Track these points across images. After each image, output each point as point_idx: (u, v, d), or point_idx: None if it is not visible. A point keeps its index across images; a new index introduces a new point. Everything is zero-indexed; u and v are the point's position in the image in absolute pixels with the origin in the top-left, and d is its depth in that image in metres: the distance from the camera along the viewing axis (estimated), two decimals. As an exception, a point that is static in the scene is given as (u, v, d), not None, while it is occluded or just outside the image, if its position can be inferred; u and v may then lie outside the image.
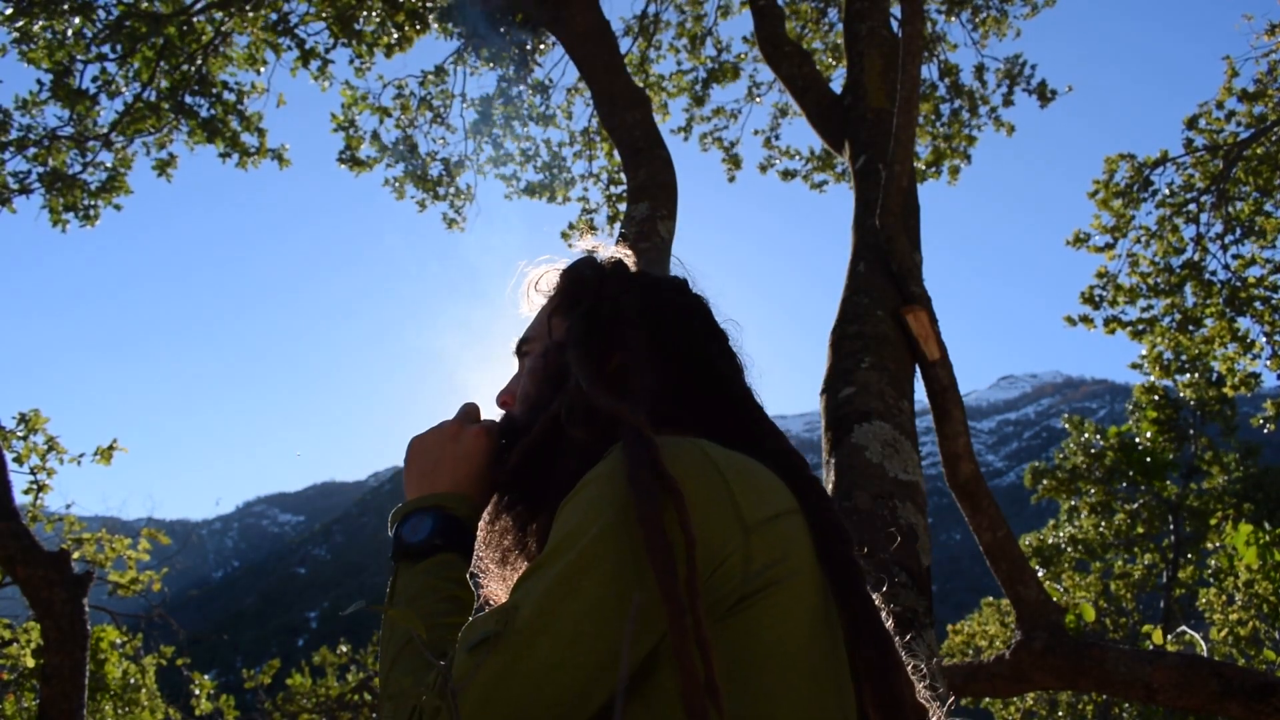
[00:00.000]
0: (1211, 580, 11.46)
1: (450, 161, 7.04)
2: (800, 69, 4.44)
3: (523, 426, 1.06)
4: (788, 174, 7.69)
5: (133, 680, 10.17)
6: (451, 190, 7.09)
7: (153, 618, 8.60)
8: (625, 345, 1.04)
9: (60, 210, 5.84)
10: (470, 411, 1.13)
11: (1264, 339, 7.28)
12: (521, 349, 1.14)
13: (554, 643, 0.78)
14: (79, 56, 5.47)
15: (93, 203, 5.92)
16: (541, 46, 6.58)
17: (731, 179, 7.89)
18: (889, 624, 0.93)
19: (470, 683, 0.78)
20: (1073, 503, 13.67)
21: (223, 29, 5.78)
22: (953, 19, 7.04)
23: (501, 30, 6.19)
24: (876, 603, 0.93)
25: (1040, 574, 13.12)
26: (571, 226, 7.44)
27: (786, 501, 0.90)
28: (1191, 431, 13.05)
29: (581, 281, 1.11)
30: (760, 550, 0.83)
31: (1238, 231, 7.25)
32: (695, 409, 1.03)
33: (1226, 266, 7.29)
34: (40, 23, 5.27)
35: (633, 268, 1.16)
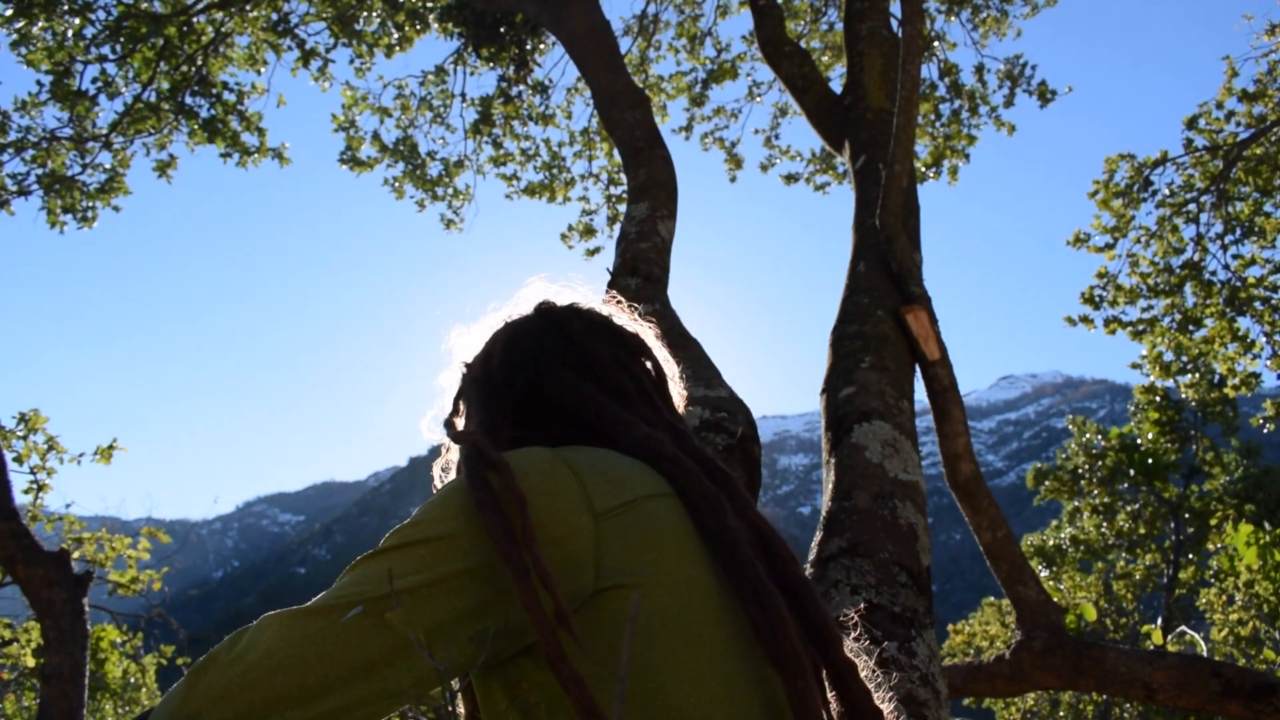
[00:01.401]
0: (1212, 580, 11.45)
1: (450, 161, 7.04)
2: (800, 69, 4.44)
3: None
4: (791, 177, 7.68)
5: (133, 679, 10.18)
6: (450, 191, 7.10)
7: (153, 617, 8.59)
8: (463, 395, 1.18)
9: (58, 212, 5.83)
10: None
11: (1264, 339, 7.28)
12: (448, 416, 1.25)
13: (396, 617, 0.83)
14: (78, 57, 5.47)
15: (91, 204, 5.92)
16: (541, 46, 6.58)
17: (733, 179, 7.89)
18: (795, 573, 0.96)
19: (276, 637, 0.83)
20: (1075, 504, 13.68)
21: (223, 29, 5.78)
22: (953, 19, 7.03)
23: (501, 30, 6.20)
24: (767, 562, 0.95)
25: (1042, 575, 13.13)
26: (570, 228, 7.44)
27: (650, 487, 0.94)
28: (1193, 432, 13.04)
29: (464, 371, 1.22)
30: (613, 535, 0.87)
31: (1238, 231, 7.25)
32: (539, 426, 1.10)
33: (1226, 266, 7.29)
34: (40, 24, 5.27)
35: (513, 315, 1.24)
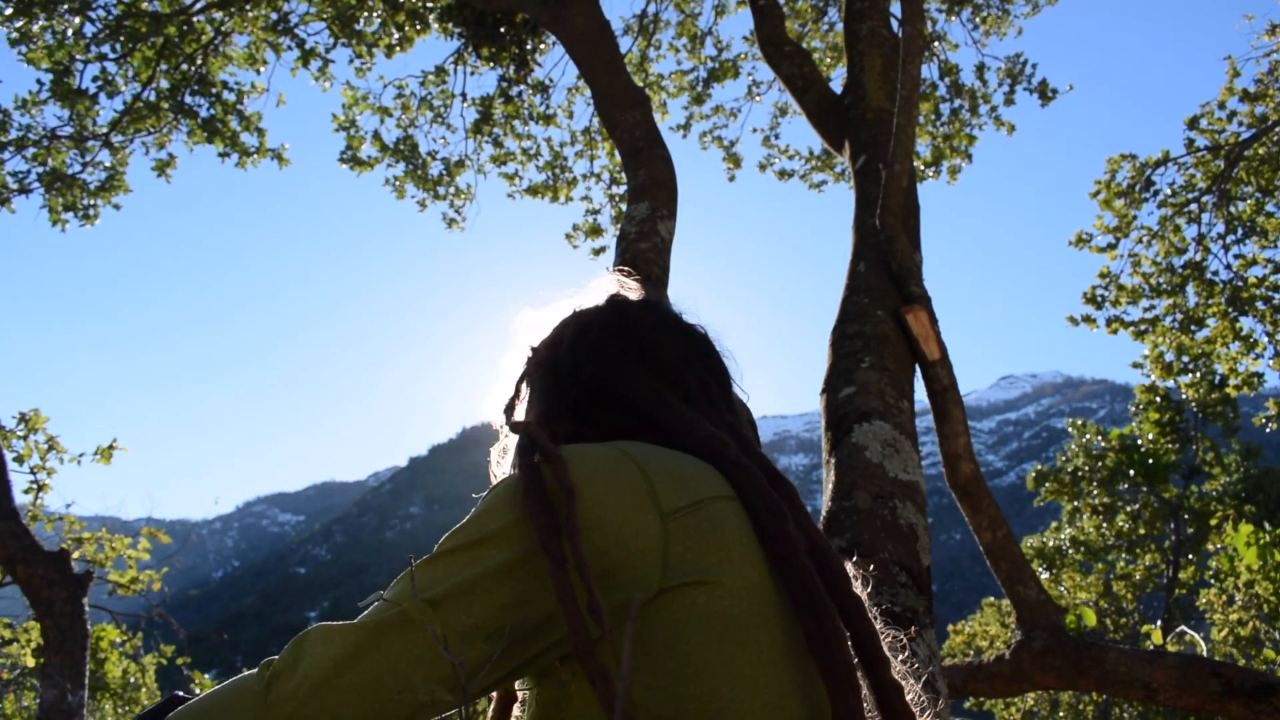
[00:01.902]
0: (1212, 581, 11.45)
1: (450, 161, 7.04)
2: (800, 68, 4.43)
3: None
4: (784, 174, 7.68)
5: (133, 679, 10.18)
6: (451, 190, 7.09)
7: (153, 617, 8.59)
8: (526, 380, 1.18)
9: (59, 210, 5.83)
10: None
11: (1266, 338, 7.27)
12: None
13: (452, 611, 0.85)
14: (79, 56, 5.47)
15: (92, 202, 5.91)
16: (542, 46, 6.57)
17: (731, 178, 7.88)
18: (847, 588, 0.96)
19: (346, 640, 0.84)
20: (1075, 504, 13.67)
21: (222, 29, 5.77)
22: (953, 18, 7.03)
23: (501, 30, 6.19)
24: (832, 571, 0.96)
25: (1042, 576, 13.12)
26: (575, 228, 7.43)
27: (714, 489, 0.93)
28: (1193, 432, 13.03)
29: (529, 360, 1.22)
30: (679, 535, 0.87)
31: (1239, 231, 7.25)
32: (599, 419, 1.10)
33: (1228, 266, 7.29)
34: (40, 22, 5.27)
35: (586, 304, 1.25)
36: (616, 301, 1.21)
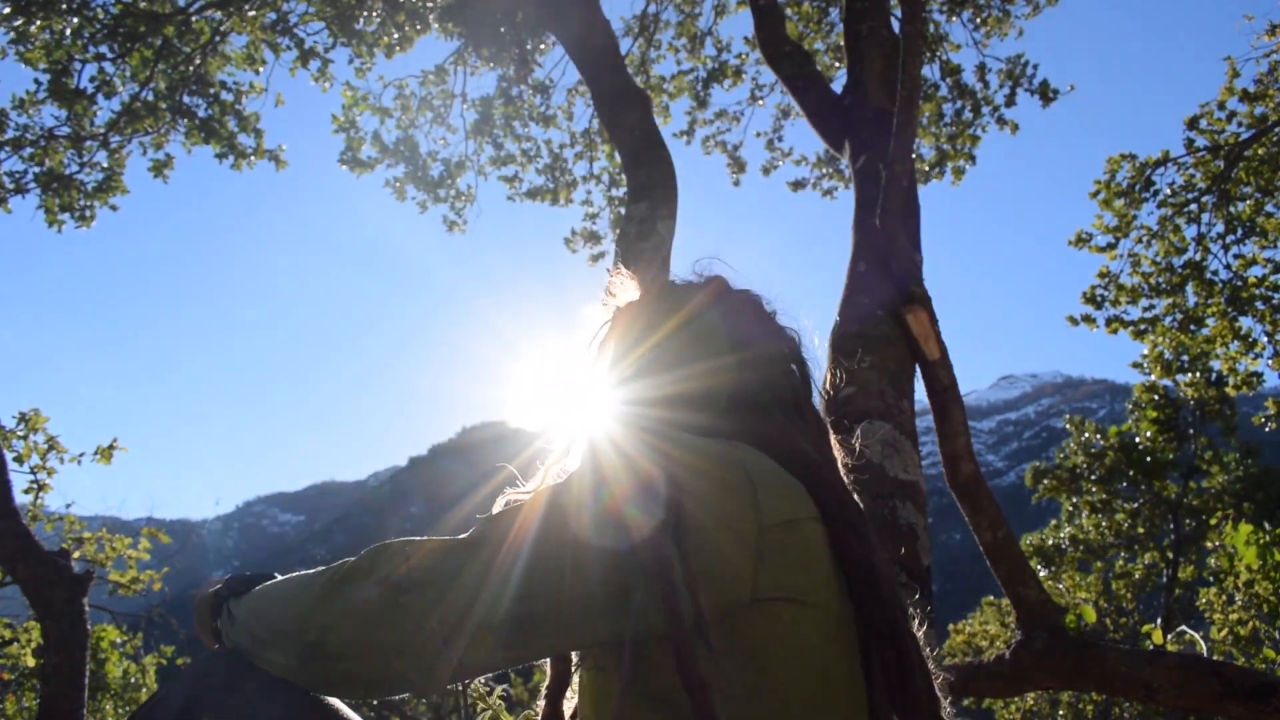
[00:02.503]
0: (1211, 580, 11.44)
1: (451, 162, 7.03)
2: (801, 69, 4.43)
3: None
4: (798, 184, 7.67)
5: (133, 679, 10.17)
6: (452, 192, 7.08)
7: (153, 617, 8.59)
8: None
9: (56, 211, 5.82)
10: None
11: (1266, 338, 7.27)
12: None
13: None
14: (76, 56, 5.46)
15: (89, 203, 5.90)
16: (542, 47, 6.57)
17: (736, 182, 7.87)
18: (912, 624, 0.99)
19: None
20: (1073, 502, 13.67)
21: (221, 29, 5.77)
22: (954, 19, 7.02)
23: (502, 30, 6.19)
24: (899, 604, 0.98)
25: (1041, 574, 13.12)
26: (574, 233, 7.43)
27: (808, 509, 0.94)
28: (1191, 431, 13.03)
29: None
30: (775, 550, 0.88)
31: (1239, 231, 7.24)
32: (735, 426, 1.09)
33: (1228, 266, 7.29)
34: (37, 22, 5.26)
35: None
36: (738, 297, 1.20)
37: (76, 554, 7.50)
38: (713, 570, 0.86)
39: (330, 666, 0.90)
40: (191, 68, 5.79)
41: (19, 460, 7.13)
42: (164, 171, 6.04)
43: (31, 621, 7.85)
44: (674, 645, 0.81)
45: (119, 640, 9.96)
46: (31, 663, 7.96)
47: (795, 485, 0.96)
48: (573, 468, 1.10)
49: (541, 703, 1.16)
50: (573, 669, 1.12)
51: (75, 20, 5.30)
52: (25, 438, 7.18)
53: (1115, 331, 7.54)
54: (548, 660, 1.15)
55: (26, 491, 7.17)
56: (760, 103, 7.52)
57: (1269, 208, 7.17)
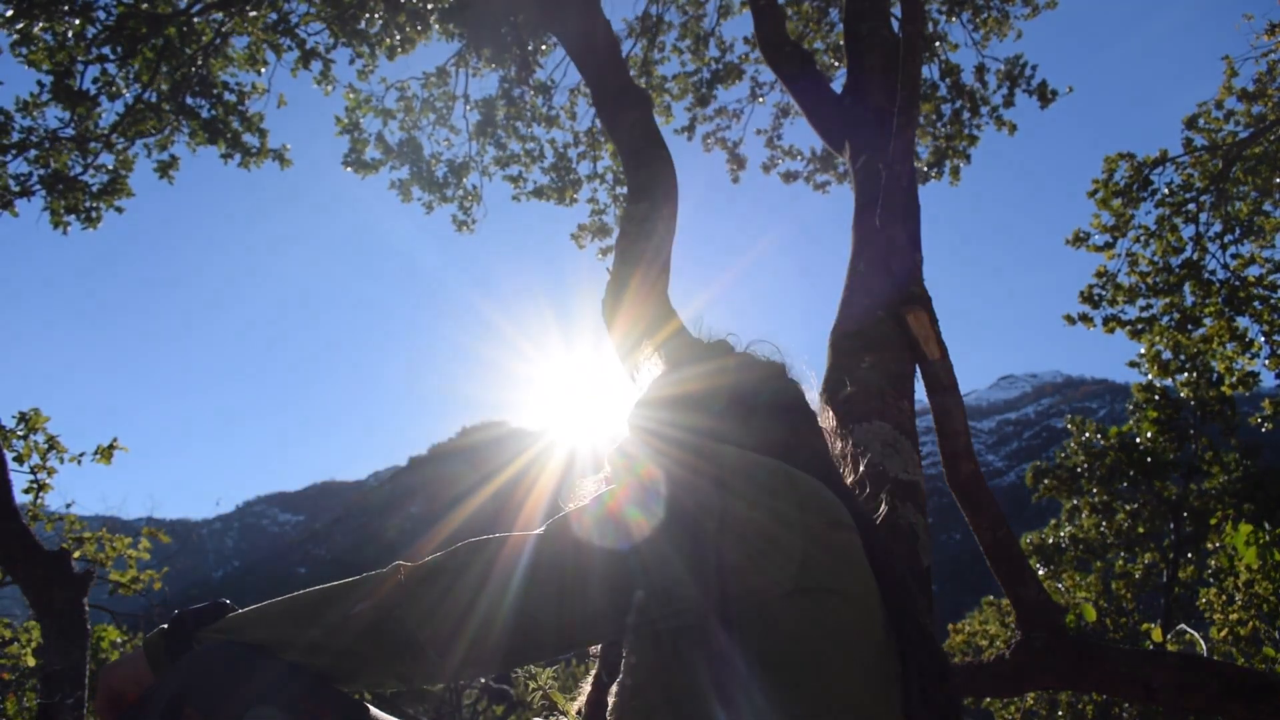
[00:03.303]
0: (1211, 580, 11.45)
1: (455, 163, 7.03)
2: (801, 69, 4.43)
3: None
4: (789, 175, 7.68)
5: (133, 680, 10.15)
6: (460, 192, 7.08)
7: (153, 617, 8.59)
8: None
9: (61, 212, 5.83)
10: None
11: (1263, 338, 7.28)
12: None
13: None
14: (79, 58, 5.47)
15: (94, 205, 5.91)
16: (543, 47, 6.57)
17: (735, 180, 7.88)
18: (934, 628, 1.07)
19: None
20: (1074, 502, 13.67)
21: (223, 30, 5.77)
22: (953, 19, 7.03)
23: (503, 31, 6.19)
24: (925, 608, 1.07)
25: (1041, 574, 13.12)
26: (581, 228, 7.43)
27: (849, 519, 1.04)
28: (1192, 431, 13.03)
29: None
30: (818, 544, 0.96)
31: (1237, 231, 7.26)
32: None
33: (1225, 266, 7.30)
34: (40, 24, 5.27)
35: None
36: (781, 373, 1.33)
37: (76, 554, 7.50)
38: (759, 558, 0.92)
39: (416, 665, 0.95)
40: (194, 69, 5.79)
41: (19, 460, 7.13)
42: (169, 172, 6.05)
43: (32, 621, 7.86)
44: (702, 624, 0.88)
45: (119, 640, 9.96)
46: (32, 662, 7.96)
47: (829, 492, 1.05)
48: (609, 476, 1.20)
49: (587, 687, 1.25)
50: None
51: (77, 21, 5.31)
52: (25, 437, 7.19)
53: (1112, 331, 7.55)
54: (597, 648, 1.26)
55: (27, 491, 7.17)
56: (760, 100, 7.53)
57: (1266, 207, 7.19)
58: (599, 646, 1.25)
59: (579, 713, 1.25)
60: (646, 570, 0.92)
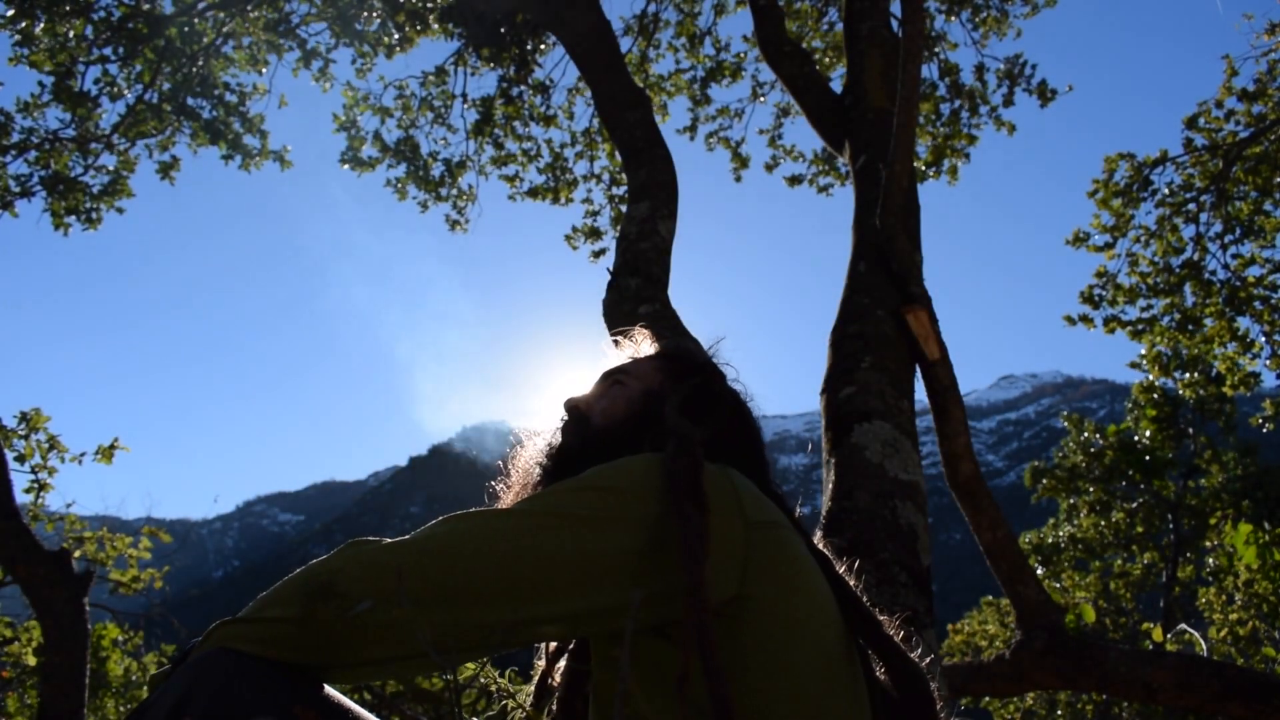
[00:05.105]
0: (1211, 579, 11.45)
1: (452, 162, 7.04)
2: (800, 68, 4.44)
3: (594, 433, 1.25)
4: (795, 179, 7.67)
5: (134, 678, 10.18)
6: (454, 191, 7.09)
7: (153, 616, 8.60)
8: (712, 417, 1.27)
9: (62, 213, 5.83)
10: None
11: (1263, 338, 7.28)
12: (615, 376, 1.33)
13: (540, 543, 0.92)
14: (80, 59, 5.47)
15: (95, 206, 5.91)
16: (542, 46, 6.57)
17: (738, 178, 7.88)
18: (891, 630, 1.11)
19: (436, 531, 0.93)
20: (1072, 501, 13.67)
21: (224, 30, 5.78)
22: (953, 19, 7.02)
23: (501, 30, 6.20)
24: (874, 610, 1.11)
25: (1040, 573, 13.12)
26: (575, 230, 7.44)
27: (784, 519, 1.05)
28: (1190, 430, 13.04)
29: (693, 363, 1.35)
30: (761, 545, 0.96)
31: (1237, 231, 7.25)
32: (731, 460, 1.18)
33: (1226, 266, 7.29)
34: (41, 25, 5.27)
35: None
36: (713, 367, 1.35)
37: (77, 554, 7.50)
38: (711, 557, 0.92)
39: (337, 607, 0.91)
40: (195, 69, 5.80)
41: (20, 460, 7.13)
42: (170, 173, 6.05)
43: (32, 620, 7.86)
44: (689, 629, 0.85)
45: (120, 639, 9.98)
46: (32, 661, 7.97)
47: (771, 503, 1.06)
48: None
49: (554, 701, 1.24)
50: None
51: (78, 22, 5.31)
52: (26, 437, 7.19)
53: (1113, 331, 7.55)
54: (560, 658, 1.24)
55: (27, 491, 7.18)
56: (762, 100, 7.52)
57: (1267, 207, 7.18)
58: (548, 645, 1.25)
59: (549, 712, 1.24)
60: (648, 569, 0.92)
